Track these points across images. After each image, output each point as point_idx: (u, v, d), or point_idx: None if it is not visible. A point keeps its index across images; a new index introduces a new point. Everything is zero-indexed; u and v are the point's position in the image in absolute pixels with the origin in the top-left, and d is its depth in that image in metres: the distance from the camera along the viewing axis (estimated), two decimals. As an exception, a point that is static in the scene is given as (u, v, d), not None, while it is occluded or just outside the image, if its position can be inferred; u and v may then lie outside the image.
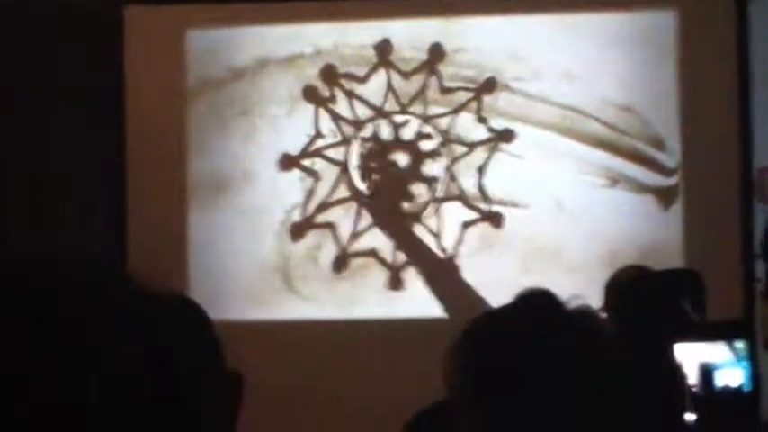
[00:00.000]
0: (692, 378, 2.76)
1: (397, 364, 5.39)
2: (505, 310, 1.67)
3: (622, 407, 1.61)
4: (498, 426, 1.58)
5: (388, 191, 5.70)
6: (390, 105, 5.74)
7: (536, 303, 1.65)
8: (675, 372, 2.71)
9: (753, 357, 2.82)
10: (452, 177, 5.69)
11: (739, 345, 2.79)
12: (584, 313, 1.67)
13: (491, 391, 1.59)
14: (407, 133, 5.74)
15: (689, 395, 2.73)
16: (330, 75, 5.75)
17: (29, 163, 5.71)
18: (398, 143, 5.74)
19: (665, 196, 5.60)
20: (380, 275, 5.68)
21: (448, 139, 5.71)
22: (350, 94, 5.75)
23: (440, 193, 5.70)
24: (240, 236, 5.70)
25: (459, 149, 5.70)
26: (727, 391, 2.76)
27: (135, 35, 5.75)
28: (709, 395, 2.74)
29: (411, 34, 5.72)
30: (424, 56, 5.72)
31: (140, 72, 5.73)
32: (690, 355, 2.74)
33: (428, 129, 5.72)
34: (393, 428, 2.75)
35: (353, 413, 5.41)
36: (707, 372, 2.75)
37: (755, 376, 2.83)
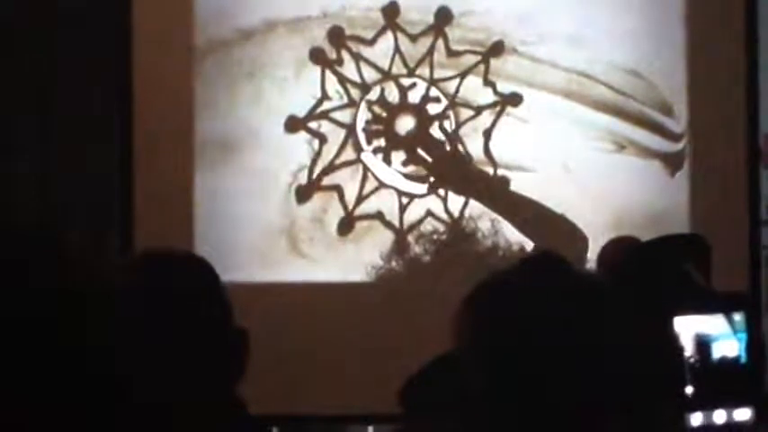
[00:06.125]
0: (688, 350, 2.76)
1: (403, 326, 5.40)
2: (515, 270, 1.68)
3: (626, 372, 1.62)
4: (505, 382, 1.59)
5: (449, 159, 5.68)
6: (397, 68, 5.73)
7: (545, 265, 1.67)
8: (674, 341, 2.72)
9: (752, 328, 2.82)
10: (459, 141, 5.69)
11: (737, 317, 2.79)
12: (593, 277, 1.68)
13: (499, 351, 1.60)
14: (414, 96, 5.73)
15: (687, 367, 2.73)
16: (337, 37, 5.73)
17: (34, 125, 5.70)
18: (405, 106, 5.73)
19: (672, 162, 5.59)
20: (386, 238, 5.69)
21: (455, 102, 5.70)
22: (357, 57, 5.73)
23: (446, 157, 5.69)
24: (246, 197, 5.71)
25: (466, 113, 5.69)
26: (724, 362, 2.76)
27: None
28: (707, 367, 2.74)
29: (418, -3, 5.70)
30: (431, 19, 5.70)
31: (148, 32, 5.71)
32: (685, 327, 2.74)
33: (435, 92, 5.71)
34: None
35: (357, 375, 5.43)
36: (704, 343, 2.75)
37: (759, 345, 2.83)
